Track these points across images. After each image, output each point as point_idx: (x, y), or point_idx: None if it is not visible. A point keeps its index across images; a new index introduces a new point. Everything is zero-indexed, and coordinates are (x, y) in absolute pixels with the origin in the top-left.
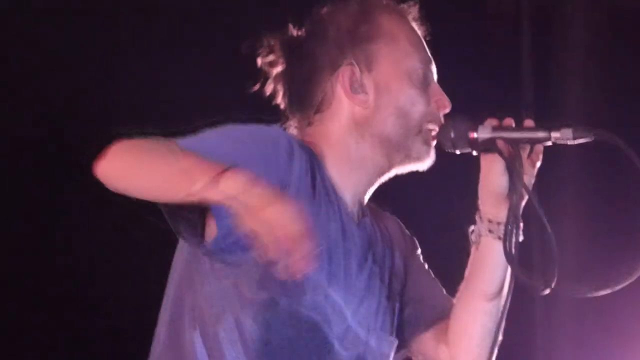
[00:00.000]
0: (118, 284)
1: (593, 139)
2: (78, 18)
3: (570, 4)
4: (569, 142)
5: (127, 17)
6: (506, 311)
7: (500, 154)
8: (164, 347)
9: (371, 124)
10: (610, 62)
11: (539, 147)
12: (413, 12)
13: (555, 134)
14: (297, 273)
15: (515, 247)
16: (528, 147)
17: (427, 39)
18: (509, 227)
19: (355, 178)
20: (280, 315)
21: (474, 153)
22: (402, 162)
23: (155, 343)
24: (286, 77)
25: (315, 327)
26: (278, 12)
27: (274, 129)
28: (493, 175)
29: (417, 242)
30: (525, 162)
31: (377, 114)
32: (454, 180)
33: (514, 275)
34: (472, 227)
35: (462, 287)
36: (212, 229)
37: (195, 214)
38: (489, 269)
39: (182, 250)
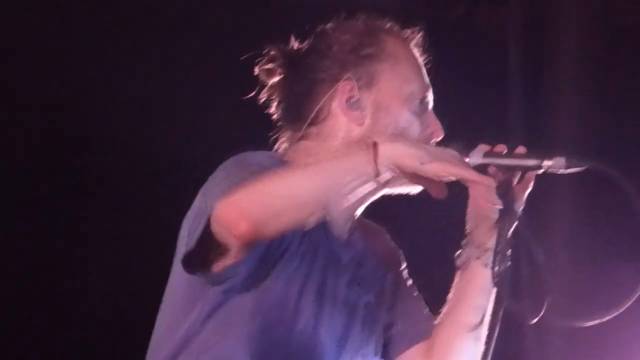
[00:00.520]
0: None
1: (586, 168)
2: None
3: (563, 22)
4: (561, 171)
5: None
6: (494, 337)
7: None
8: None
9: None
10: (603, 80)
11: (531, 175)
12: (416, 38)
13: (547, 162)
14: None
15: (504, 274)
16: (519, 174)
17: (428, 66)
18: (498, 254)
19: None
20: (272, 344)
21: None
22: (393, 185)
23: None
24: (283, 87)
25: (305, 354)
26: (281, 27)
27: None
28: (482, 201)
29: (403, 255)
30: (516, 189)
31: (374, 135)
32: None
33: (503, 303)
34: (458, 252)
35: (446, 311)
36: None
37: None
38: (475, 295)
39: (180, 278)
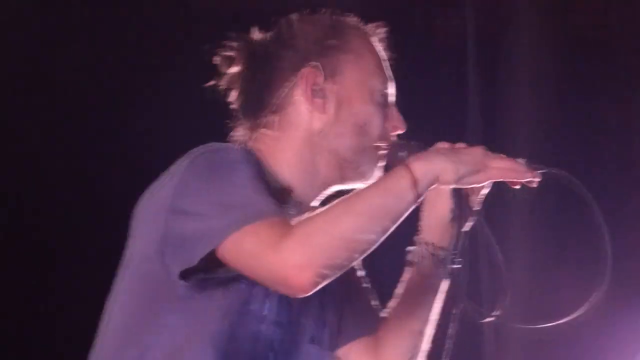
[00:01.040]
0: None
1: (545, 172)
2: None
3: (520, 24)
4: None
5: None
6: (448, 336)
7: None
8: None
9: (328, 136)
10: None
11: None
12: (380, 33)
13: None
14: None
15: (457, 273)
16: None
17: (391, 61)
18: (452, 252)
19: (303, 188)
20: (241, 344)
21: None
22: (350, 177)
23: None
24: (244, 77)
25: (274, 351)
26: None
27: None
28: (439, 199)
29: None
30: (472, 187)
31: (336, 127)
32: None
33: (457, 302)
34: (411, 249)
35: (395, 305)
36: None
37: None
38: (424, 292)
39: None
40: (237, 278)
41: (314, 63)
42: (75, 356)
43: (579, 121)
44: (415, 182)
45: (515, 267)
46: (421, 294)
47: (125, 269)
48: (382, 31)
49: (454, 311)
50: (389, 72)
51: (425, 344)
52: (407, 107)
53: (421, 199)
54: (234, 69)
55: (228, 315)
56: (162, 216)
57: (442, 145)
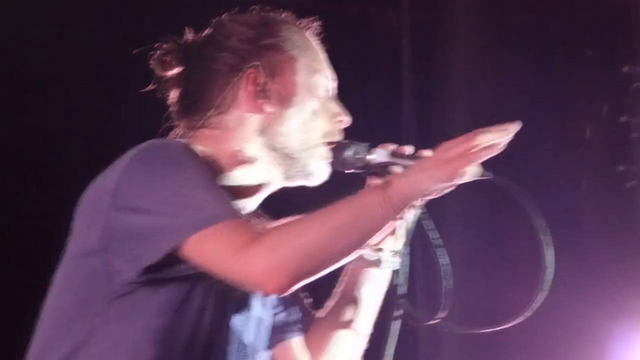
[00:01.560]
0: None
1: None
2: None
3: (455, 20)
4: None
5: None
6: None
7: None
8: None
9: (274, 135)
10: (495, 78)
11: None
12: (312, 27)
13: None
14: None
15: (398, 275)
16: None
17: (326, 54)
18: (394, 254)
19: (248, 186)
20: (179, 341)
21: (362, 174)
22: (295, 176)
23: None
24: (180, 79)
25: (211, 348)
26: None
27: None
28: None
29: None
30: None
31: (281, 126)
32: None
33: (397, 303)
34: None
35: (331, 305)
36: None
37: None
38: (362, 293)
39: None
40: (182, 276)
41: (254, 64)
42: None
43: (514, 114)
44: (390, 202)
45: (458, 271)
46: (358, 293)
47: (62, 265)
48: (315, 25)
49: (394, 313)
50: (328, 66)
51: (361, 343)
52: (341, 101)
53: (398, 216)
54: (169, 72)
55: (167, 312)
56: (103, 211)
57: (389, 146)
